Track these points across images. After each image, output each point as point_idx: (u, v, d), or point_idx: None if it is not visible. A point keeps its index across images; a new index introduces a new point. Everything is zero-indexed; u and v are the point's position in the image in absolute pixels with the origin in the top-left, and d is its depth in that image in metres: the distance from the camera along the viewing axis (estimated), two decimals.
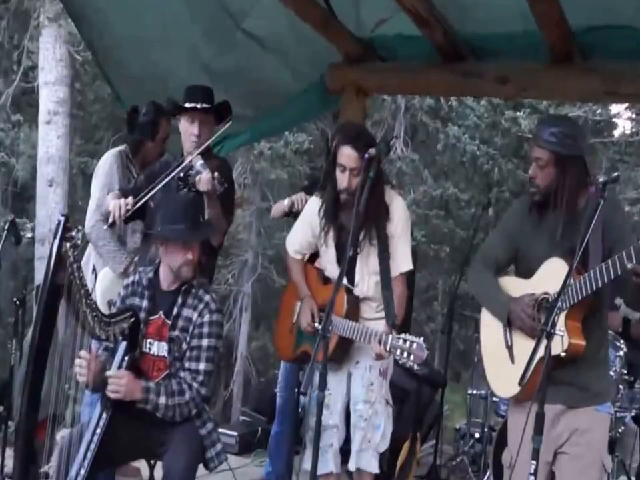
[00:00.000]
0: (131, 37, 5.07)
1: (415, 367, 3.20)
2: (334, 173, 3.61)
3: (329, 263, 3.73)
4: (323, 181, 3.78)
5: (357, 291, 3.64)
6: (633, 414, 4.85)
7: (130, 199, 3.81)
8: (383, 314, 3.59)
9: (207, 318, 3.43)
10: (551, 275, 2.93)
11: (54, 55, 10.48)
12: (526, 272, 3.15)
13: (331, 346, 3.40)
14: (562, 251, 2.97)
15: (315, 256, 3.94)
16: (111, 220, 3.82)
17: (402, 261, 3.65)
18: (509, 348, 3.11)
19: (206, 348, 3.41)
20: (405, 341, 3.20)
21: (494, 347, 3.18)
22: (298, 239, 3.86)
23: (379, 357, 3.37)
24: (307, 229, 3.81)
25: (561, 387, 2.95)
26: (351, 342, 3.59)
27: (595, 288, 2.79)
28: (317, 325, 3.59)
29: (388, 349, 3.26)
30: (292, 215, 4.50)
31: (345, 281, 3.58)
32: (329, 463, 3.69)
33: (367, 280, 3.64)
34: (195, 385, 3.38)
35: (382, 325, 3.53)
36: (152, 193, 3.81)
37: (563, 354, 2.86)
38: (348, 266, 3.52)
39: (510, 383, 2.99)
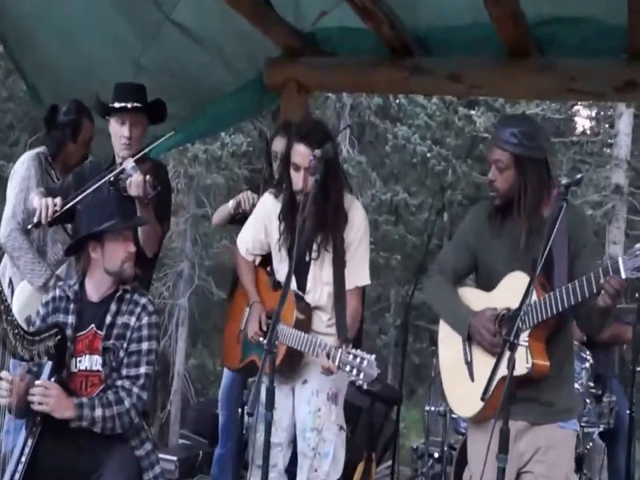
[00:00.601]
0: (49, 27, 4.94)
1: (365, 385, 3.19)
2: (289, 173, 3.59)
3: (282, 268, 3.71)
4: (279, 179, 3.77)
5: (309, 299, 3.63)
6: (601, 429, 4.89)
7: (58, 200, 3.75)
8: (334, 329, 3.58)
9: (145, 320, 3.43)
10: (514, 290, 2.94)
11: None
12: (487, 284, 3.18)
13: (279, 357, 3.41)
14: (525, 264, 3.00)
15: (265, 261, 3.93)
16: (36, 220, 3.76)
17: (358, 274, 3.64)
18: (469, 364, 3.14)
19: (146, 352, 3.41)
20: (355, 357, 3.20)
21: (453, 362, 3.21)
22: (250, 237, 3.84)
23: (328, 371, 3.37)
24: (259, 226, 3.79)
25: (523, 404, 2.99)
26: (301, 354, 3.58)
27: (560, 309, 2.83)
28: (262, 340, 3.58)
29: (337, 364, 3.27)
30: (238, 217, 4.48)
31: (294, 286, 3.59)
32: None
33: (319, 289, 3.63)
34: (135, 389, 3.36)
35: (333, 340, 3.51)
36: (81, 196, 3.76)
37: (526, 370, 2.90)
38: (301, 272, 3.55)
39: (470, 401, 3.03)
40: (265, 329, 3.62)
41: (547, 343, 2.98)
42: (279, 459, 3.68)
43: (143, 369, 3.39)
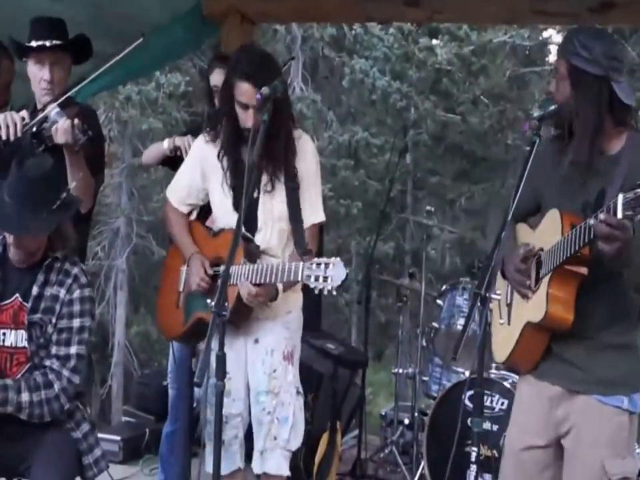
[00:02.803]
0: None
1: (334, 291, 3.23)
2: (232, 109, 3.58)
3: (224, 210, 3.71)
4: (217, 119, 3.72)
5: (259, 239, 3.65)
6: None
7: (25, 113, 3.68)
8: None
9: (77, 294, 3.39)
10: (549, 228, 2.96)
11: None
12: (539, 219, 3.17)
13: (231, 299, 3.38)
14: (575, 203, 2.94)
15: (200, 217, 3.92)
16: (4, 136, 3.65)
17: (312, 210, 3.68)
18: (509, 306, 3.16)
19: (78, 329, 3.37)
20: (318, 265, 3.22)
21: (500, 304, 3.24)
22: (184, 184, 3.83)
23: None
24: (195, 171, 3.78)
25: (560, 365, 2.98)
26: (250, 307, 3.57)
27: (572, 251, 2.77)
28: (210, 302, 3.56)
29: (300, 278, 3.27)
30: (171, 163, 4.45)
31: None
32: (235, 458, 3.70)
33: (270, 226, 3.65)
34: (66, 372, 3.33)
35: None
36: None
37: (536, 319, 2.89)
38: (249, 210, 3.52)
39: (503, 346, 3.07)
40: (211, 272, 3.63)
41: (583, 297, 2.89)
42: (240, 429, 3.73)
43: (74, 349, 3.35)
